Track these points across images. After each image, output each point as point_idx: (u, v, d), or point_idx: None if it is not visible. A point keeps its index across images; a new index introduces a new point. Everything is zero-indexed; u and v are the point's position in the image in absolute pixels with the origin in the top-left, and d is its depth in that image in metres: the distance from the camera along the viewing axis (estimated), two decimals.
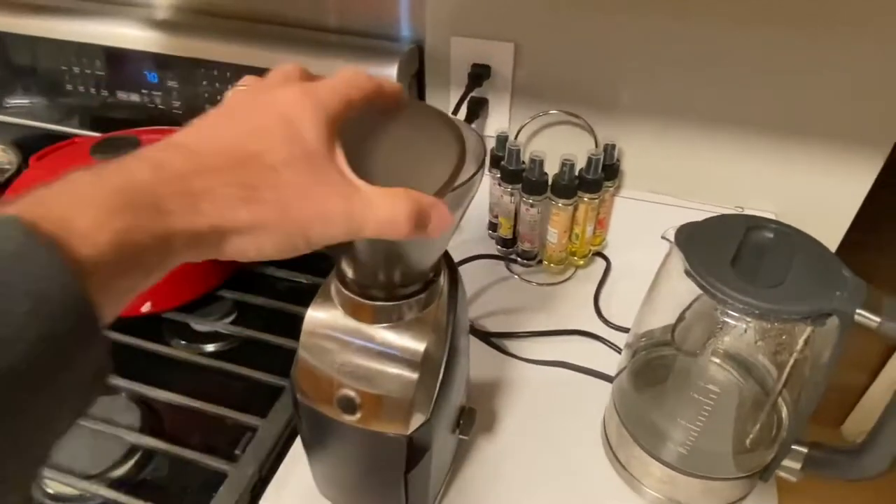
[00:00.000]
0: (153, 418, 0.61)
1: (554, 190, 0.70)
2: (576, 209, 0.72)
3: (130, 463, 0.57)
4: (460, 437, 0.52)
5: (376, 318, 0.41)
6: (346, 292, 0.41)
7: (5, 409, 0.20)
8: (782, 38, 0.63)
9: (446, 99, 0.78)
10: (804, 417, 0.47)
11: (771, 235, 0.47)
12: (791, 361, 0.47)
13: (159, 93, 0.82)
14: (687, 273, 0.44)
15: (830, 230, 0.73)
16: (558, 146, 0.73)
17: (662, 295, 0.51)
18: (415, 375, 0.41)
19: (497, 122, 0.78)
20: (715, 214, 0.50)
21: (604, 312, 0.72)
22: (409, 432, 0.42)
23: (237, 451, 0.57)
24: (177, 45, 0.79)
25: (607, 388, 0.59)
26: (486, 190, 0.77)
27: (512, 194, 0.73)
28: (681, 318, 0.52)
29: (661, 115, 0.72)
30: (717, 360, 0.54)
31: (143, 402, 0.62)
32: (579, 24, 0.69)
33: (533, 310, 0.73)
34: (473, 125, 0.77)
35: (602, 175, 0.70)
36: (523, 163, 0.71)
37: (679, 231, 0.47)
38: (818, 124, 0.67)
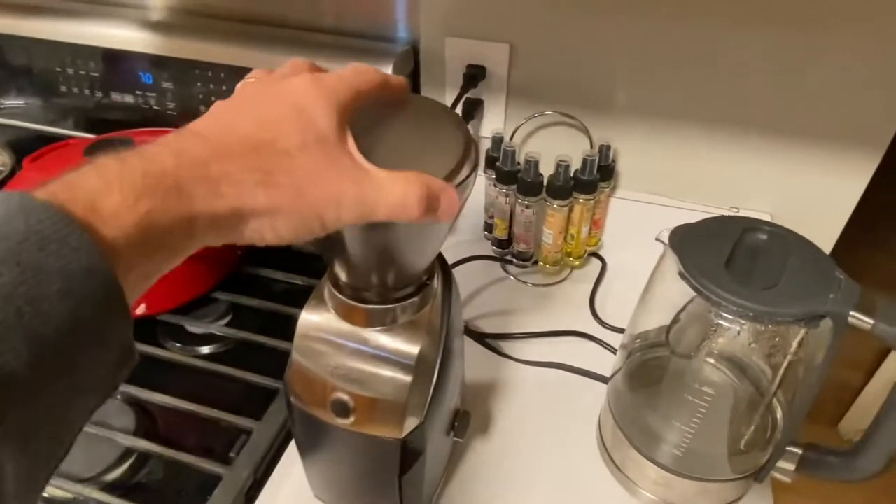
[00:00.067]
0: (148, 421, 0.61)
1: (549, 191, 0.70)
2: (571, 210, 0.72)
3: (125, 466, 0.57)
4: (455, 439, 0.52)
5: (370, 321, 0.41)
6: (340, 296, 0.41)
7: (37, 384, 0.21)
8: (778, 38, 0.63)
9: (441, 100, 0.77)
10: (798, 419, 0.47)
11: (765, 237, 0.47)
12: (785, 363, 0.47)
13: (154, 94, 0.82)
14: (681, 275, 0.44)
15: (826, 230, 0.73)
16: (553, 147, 0.73)
17: (657, 296, 0.51)
18: (408, 378, 0.40)
19: (492, 123, 0.78)
20: (710, 215, 0.50)
21: (599, 313, 0.72)
22: (402, 436, 0.42)
23: (232, 454, 0.57)
24: (171, 47, 0.78)
25: (603, 389, 0.59)
26: (481, 191, 0.77)
27: (507, 195, 0.73)
28: (675, 319, 0.52)
29: (657, 115, 0.72)
30: (712, 362, 0.54)
31: (138, 405, 0.62)
32: (574, 24, 0.69)
33: (528, 311, 0.73)
34: (469, 126, 0.77)
35: (597, 176, 0.70)
36: (518, 164, 0.71)
37: (673, 233, 0.47)
38: (814, 124, 0.67)
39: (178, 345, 0.69)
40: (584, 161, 0.69)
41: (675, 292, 0.46)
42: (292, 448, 0.57)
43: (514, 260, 0.77)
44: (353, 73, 0.33)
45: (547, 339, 0.69)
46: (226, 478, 0.54)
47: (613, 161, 0.73)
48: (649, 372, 0.56)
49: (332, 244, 0.37)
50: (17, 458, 0.21)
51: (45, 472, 0.23)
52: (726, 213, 0.73)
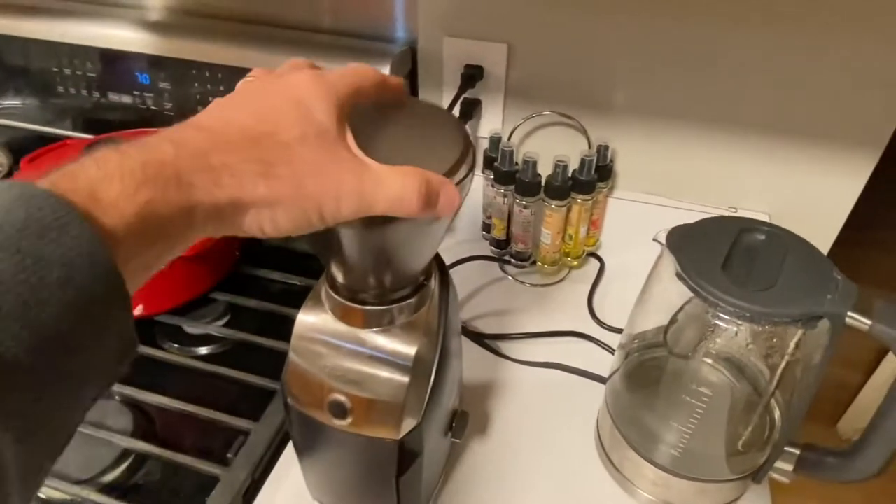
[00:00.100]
0: (145, 422, 0.61)
1: (547, 191, 0.70)
2: (569, 210, 0.72)
3: (122, 467, 0.57)
4: (453, 440, 0.52)
5: (367, 322, 0.41)
6: (336, 297, 0.41)
7: (37, 372, 0.21)
8: (775, 39, 0.63)
9: (439, 100, 0.77)
10: (796, 419, 0.47)
11: (762, 237, 0.47)
12: (783, 364, 0.47)
13: (151, 94, 0.82)
14: (678, 276, 0.44)
15: (824, 230, 0.73)
16: (551, 147, 0.73)
17: (654, 297, 0.51)
18: (406, 379, 0.40)
19: (490, 123, 0.78)
20: (708, 215, 0.50)
21: (597, 313, 0.72)
22: (400, 437, 0.42)
23: (230, 455, 0.57)
24: (169, 47, 0.78)
25: (601, 389, 0.59)
26: (479, 191, 0.77)
27: (505, 195, 0.73)
28: (673, 320, 0.52)
29: (655, 115, 0.72)
30: (710, 362, 0.54)
31: (136, 406, 0.62)
32: (572, 24, 0.68)
33: (526, 311, 0.73)
34: (467, 126, 0.77)
35: (595, 176, 0.70)
36: (516, 164, 0.71)
37: (670, 233, 0.47)
38: (811, 125, 0.67)
39: (175, 345, 0.69)
40: (582, 161, 0.69)
41: (673, 293, 0.46)
42: (290, 449, 0.57)
43: (513, 260, 0.77)
44: (352, 72, 0.33)
45: (545, 340, 0.69)
46: (223, 479, 0.54)
47: (611, 161, 0.73)
48: (647, 372, 0.56)
49: (328, 244, 0.37)
50: (18, 446, 0.21)
51: (47, 461, 0.23)
52: (724, 213, 0.73)
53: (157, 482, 0.57)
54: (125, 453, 0.57)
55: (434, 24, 0.73)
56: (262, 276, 0.77)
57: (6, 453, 0.20)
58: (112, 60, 0.82)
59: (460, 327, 0.52)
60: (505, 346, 0.68)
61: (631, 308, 0.54)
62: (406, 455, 0.43)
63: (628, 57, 0.69)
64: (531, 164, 0.69)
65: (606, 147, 0.71)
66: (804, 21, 0.62)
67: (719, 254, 0.45)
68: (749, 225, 0.48)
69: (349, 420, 0.42)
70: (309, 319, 0.42)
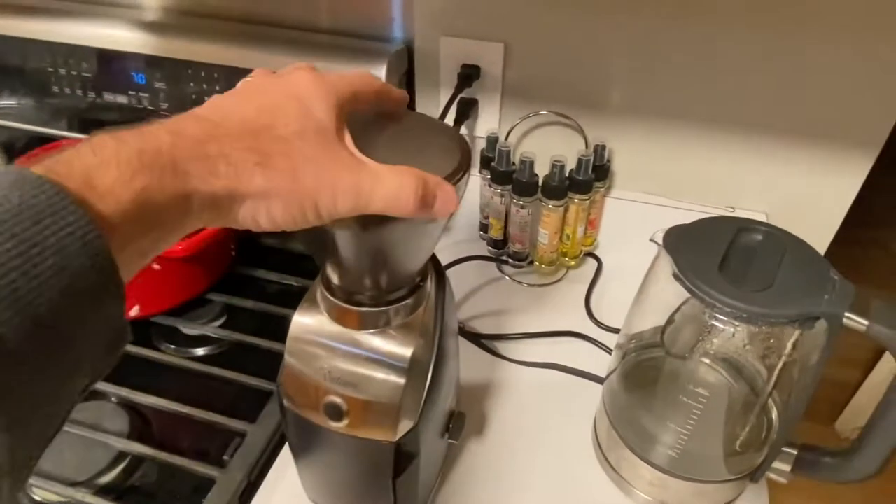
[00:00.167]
0: (141, 424, 0.61)
1: (544, 191, 0.70)
2: (566, 210, 0.72)
3: (118, 469, 0.57)
4: (450, 441, 0.52)
5: (362, 323, 0.41)
6: (332, 298, 0.40)
7: (29, 358, 0.20)
8: (773, 39, 0.63)
9: (436, 99, 0.77)
10: (794, 419, 0.47)
11: (759, 237, 0.47)
12: (780, 364, 0.47)
13: (147, 94, 0.81)
14: (675, 276, 0.44)
15: (821, 229, 0.73)
16: (549, 147, 0.73)
17: (651, 297, 0.51)
18: (402, 381, 0.40)
19: (487, 122, 0.77)
20: (706, 215, 0.49)
21: (595, 313, 0.72)
22: (396, 438, 0.42)
23: (226, 457, 0.56)
24: (165, 47, 0.78)
25: (598, 389, 0.59)
26: (476, 191, 0.77)
27: (502, 195, 0.73)
28: (670, 320, 0.52)
29: (652, 115, 0.72)
30: (707, 362, 0.54)
31: (132, 408, 0.62)
32: (569, 24, 0.68)
33: (524, 311, 0.72)
34: (463, 126, 0.77)
35: (592, 176, 0.70)
36: (513, 164, 0.71)
37: (667, 234, 0.47)
38: (809, 124, 0.67)
39: (172, 346, 0.69)
40: (580, 161, 0.69)
41: (670, 293, 0.46)
42: (286, 451, 0.57)
43: (510, 260, 0.77)
44: (353, 76, 0.33)
45: (542, 340, 0.69)
46: (220, 481, 0.53)
47: (609, 161, 0.73)
48: (644, 373, 0.56)
49: (323, 244, 0.37)
50: (6, 434, 0.21)
51: (37, 449, 0.23)
52: (722, 212, 0.73)
53: (153, 484, 0.57)
54: (121, 455, 0.57)
55: (430, 24, 0.73)
56: (258, 276, 0.77)
57: None
58: (108, 60, 0.82)
59: (457, 328, 0.52)
60: (502, 347, 0.68)
61: (628, 308, 0.54)
62: (403, 457, 0.43)
63: (625, 56, 0.69)
64: (528, 164, 0.69)
65: (603, 147, 0.71)
66: (801, 21, 0.62)
67: (716, 254, 0.45)
68: (746, 225, 0.48)
69: (345, 422, 0.42)
70: (304, 321, 0.42)
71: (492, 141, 0.72)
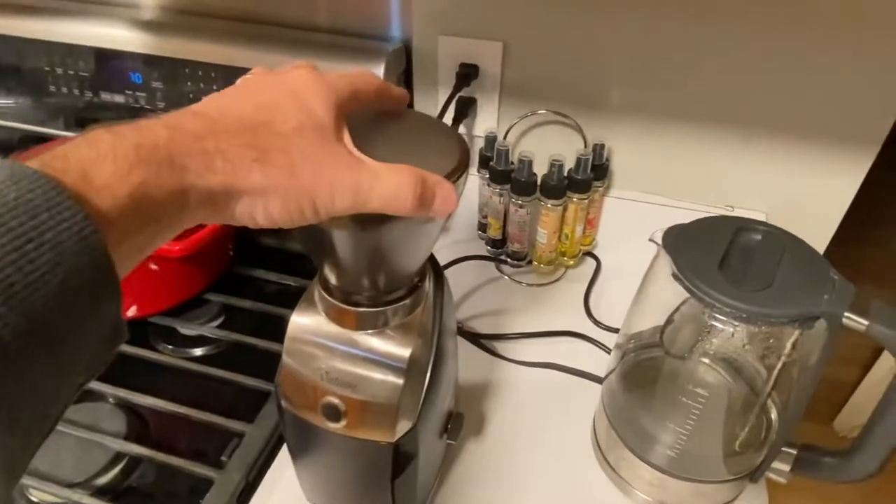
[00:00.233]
0: (139, 424, 0.60)
1: (543, 190, 0.70)
2: (565, 209, 0.72)
3: (116, 470, 0.57)
4: (448, 441, 0.52)
5: (361, 324, 0.40)
6: (330, 298, 0.40)
7: (22, 357, 0.20)
8: (772, 38, 0.63)
9: (434, 99, 0.77)
10: (793, 419, 0.47)
11: (759, 237, 0.47)
12: (779, 364, 0.46)
13: (144, 93, 0.81)
14: (674, 276, 0.44)
15: (820, 228, 0.73)
16: (547, 146, 0.73)
17: (651, 297, 0.51)
18: (400, 381, 0.40)
19: (485, 122, 0.77)
20: (705, 214, 0.49)
21: (594, 313, 0.72)
22: (395, 439, 0.42)
23: (224, 458, 0.56)
24: (162, 46, 0.78)
25: (597, 389, 0.59)
26: (475, 190, 0.76)
27: (501, 195, 0.72)
28: (669, 320, 0.52)
29: (651, 114, 0.71)
30: (706, 362, 0.54)
31: (129, 408, 0.61)
32: (568, 23, 0.68)
33: (523, 311, 0.72)
34: (462, 125, 0.77)
35: (591, 175, 0.70)
36: (512, 163, 0.71)
37: (666, 233, 0.46)
38: (808, 124, 0.67)
39: (169, 347, 0.69)
40: (578, 160, 0.69)
41: (669, 293, 0.46)
42: (284, 451, 0.56)
43: (509, 260, 0.77)
44: (353, 74, 0.33)
45: (541, 340, 0.69)
46: (217, 481, 0.53)
47: (607, 160, 0.73)
48: (644, 372, 0.56)
49: (321, 244, 0.37)
50: (1, 430, 0.21)
51: (30, 448, 0.23)
52: (721, 212, 0.73)
53: (150, 485, 0.57)
54: (118, 456, 0.57)
55: (428, 23, 0.73)
56: (256, 276, 0.77)
57: None
58: (105, 59, 0.81)
59: (456, 328, 0.52)
60: (501, 347, 0.68)
61: (627, 308, 0.54)
62: (401, 458, 0.43)
63: (624, 55, 0.68)
64: (527, 164, 0.68)
65: (602, 146, 0.71)
66: (801, 20, 0.61)
67: (716, 254, 0.45)
68: (746, 224, 0.47)
69: (343, 423, 0.42)
70: (302, 321, 0.42)
71: (490, 140, 0.72)
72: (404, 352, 0.40)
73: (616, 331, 0.67)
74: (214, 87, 0.77)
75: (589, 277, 0.76)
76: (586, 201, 0.72)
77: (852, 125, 0.66)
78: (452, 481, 0.55)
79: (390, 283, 0.40)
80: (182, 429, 0.60)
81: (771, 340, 0.48)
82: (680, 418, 0.49)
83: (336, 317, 0.41)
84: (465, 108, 0.75)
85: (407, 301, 0.40)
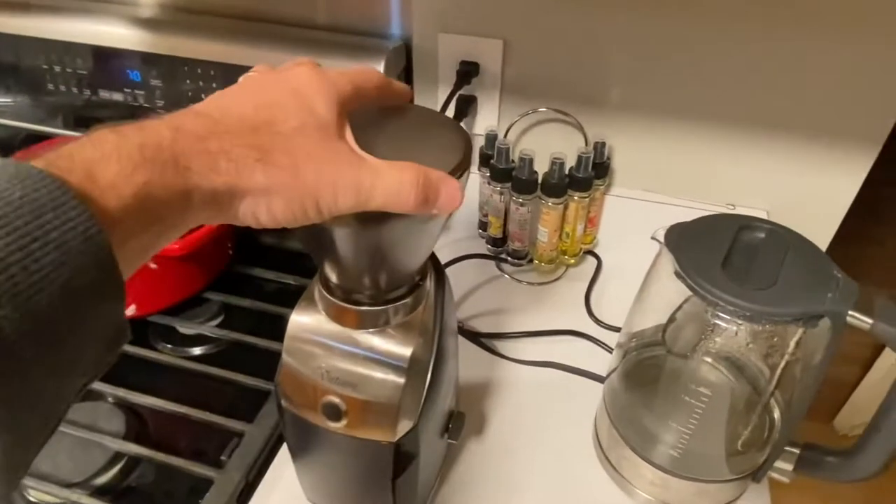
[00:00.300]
0: (138, 424, 0.60)
1: (544, 189, 0.69)
2: (566, 208, 0.71)
3: (115, 470, 0.56)
4: (449, 441, 0.51)
5: (361, 322, 0.40)
6: (330, 297, 0.40)
7: (26, 357, 0.20)
8: (773, 35, 0.63)
9: (434, 96, 0.77)
10: (796, 418, 0.46)
11: (762, 235, 0.47)
12: (782, 363, 0.46)
13: (142, 92, 0.81)
14: (677, 274, 0.44)
15: (822, 226, 0.72)
16: (548, 144, 0.73)
17: (653, 295, 0.51)
18: (401, 380, 0.40)
19: (486, 120, 0.77)
20: (706, 213, 0.49)
21: (595, 312, 0.71)
22: (396, 439, 0.41)
23: (223, 457, 0.56)
24: (161, 43, 0.77)
25: (599, 388, 0.58)
26: (475, 189, 0.76)
27: (502, 193, 0.72)
28: (671, 318, 0.52)
29: (652, 112, 0.71)
30: (709, 360, 0.53)
31: (128, 408, 0.61)
32: (569, 20, 0.68)
33: (523, 309, 0.72)
34: (462, 123, 0.77)
35: (592, 173, 0.70)
36: (513, 161, 0.70)
37: (669, 231, 0.46)
38: (810, 121, 0.67)
39: (168, 346, 0.69)
40: (579, 158, 0.69)
41: (672, 291, 0.46)
42: (284, 451, 0.56)
43: (509, 258, 0.77)
44: (355, 72, 0.33)
45: (542, 339, 0.68)
46: (217, 481, 0.53)
47: (608, 158, 0.73)
48: (646, 371, 0.56)
49: (321, 242, 0.36)
50: (4, 430, 0.20)
51: (33, 448, 0.23)
52: (722, 210, 0.72)
53: (149, 485, 0.56)
54: (117, 456, 0.57)
55: (428, 20, 0.72)
56: (256, 275, 0.76)
57: None
58: (103, 57, 0.81)
59: (456, 327, 0.52)
60: (502, 346, 0.67)
61: (628, 306, 0.54)
62: (402, 457, 0.43)
63: (625, 53, 0.68)
64: (527, 162, 0.68)
65: (603, 144, 0.71)
66: (802, 18, 0.61)
67: (719, 252, 0.44)
68: (749, 223, 0.47)
69: (344, 422, 0.41)
70: (302, 320, 0.41)
71: (491, 138, 0.72)
72: (405, 351, 0.40)
73: (617, 329, 0.66)
74: (213, 85, 0.76)
75: (590, 276, 0.76)
76: (587, 200, 0.71)
77: (853, 124, 0.66)
78: (453, 481, 0.55)
79: (391, 282, 0.39)
80: (181, 428, 0.60)
81: (774, 339, 0.47)
82: (682, 417, 0.49)
83: (336, 315, 0.40)
84: (466, 106, 0.75)
85: (408, 300, 0.40)
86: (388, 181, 0.30)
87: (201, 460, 0.55)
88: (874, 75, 0.62)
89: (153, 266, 0.68)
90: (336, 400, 0.41)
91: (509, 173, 0.70)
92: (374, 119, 0.36)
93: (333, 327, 0.41)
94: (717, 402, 0.51)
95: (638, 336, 0.55)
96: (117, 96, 0.82)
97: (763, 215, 0.72)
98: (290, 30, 0.77)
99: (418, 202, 0.30)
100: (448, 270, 0.58)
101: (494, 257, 0.78)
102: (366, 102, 0.34)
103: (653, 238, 0.47)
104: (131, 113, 0.83)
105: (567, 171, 0.69)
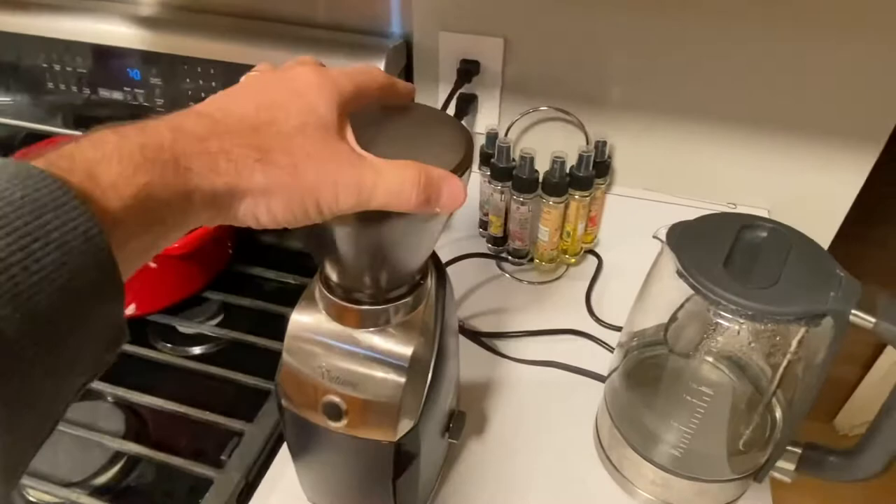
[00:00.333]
0: (138, 424, 0.60)
1: (545, 188, 0.69)
2: (567, 207, 0.71)
3: (114, 469, 0.56)
4: (450, 440, 0.51)
5: (362, 322, 0.40)
6: (331, 296, 0.40)
7: (25, 356, 0.20)
8: (774, 35, 0.63)
9: (435, 95, 0.77)
10: (798, 418, 0.46)
11: (764, 234, 0.47)
12: (784, 362, 0.46)
13: (142, 90, 0.81)
14: (679, 273, 0.44)
15: (824, 226, 0.72)
16: (549, 143, 0.73)
17: (654, 295, 0.51)
18: (402, 380, 0.40)
19: (486, 118, 0.77)
20: (707, 212, 0.49)
21: (596, 311, 0.71)
22: (396, 438, 0.41)
23: (223, 457, 0.56)
24: (160, 42, 0.77)
25: (600, 388, 0.58)
26: (476, 188, 0.76)
27: (502, 192, 0.72)
28: (673, 318, 0.52)
29: (653, 111, 0.71)
30: (711, 360, 0.53)
31: (128, 407, 0.61)
32: (569, 19, 0.68)
33: (524, 309, 0.72)
34: (463, 122, 0.76)
35: (593, 172, 0.70)
36: (513, 160, 0.70)
37: (670, 230, 0.46)
38: (811, 120, 0.67)
39: (168, 345, 0.69)
40: (580, 157, 0.69)
41: (673, 290, 0.46)
42: (284, 450, 0.56)
43: (510, 257, 0.77)
44: (357, 71, 0.33)
45: (543, 338, 0.68)
46: (217, 481, 0.53)
47: (609, 157, 0.73)
48: (647, 371, 0.56)
49: (322, 241, 0.36)
50: (2, 431, 0.20)
51: (31, 448, 0.23)
52: (723, 209, 0.72)
53: (149, 484, 0.56)
54: (117, 455, 0.57)
55: (429, 19, 0.72)
56: (255, 274, 0.76)
57: None
58: (103, 56, 0.81)
59: (457, 326, 0.52)
60: (502, 345, 0.67)
61: (629, 305, 0.54)
62: (403, 457, 0.42)
63: (626, 52, 0.68)
64: (528, 161, 0.68)
65: (604, 143, 0.71)
66: (802, 18, 0.61)
67: (720, 251, 0.44)
68: (751, 221, 0.47)
69: (344, 422, 0.41)
70: (303, 319, 0.41)
71: (491, 137, 0.72)
72: (406, 350, 0.40)
73: (618, 329, 0.66)
74: (213, 84, 0.76)
75: (591, 275, 0.76)
76: (588, 199, 0.71)
77: (854, 123, 0.65)
78: (454, 480, 0.55)
79: (392, 281, 0.39)
80: (181, 428, 0.60)
81: (777, 338, 0.47)
82: (684, 417, 0.48)
83: (337, 315, 0.40)
84: (466, 105, 0.75)
85: (409, 299, 0.40)
86: (389, 180, 0.30)
87: (201, 460, 0.55)
88: (875, 75, 0.62)
89: (153, 265, 0.68)
90: (336, 399, 0.41)
91: (510, 172, 0.70)
92: (374, 117, 0.36)
93: (334, 326, 0.40)
94: (719, 401, 0.51)
95: (639, 335, 0.55)
96: (117, 95, 0.82)
97: (764, 214, 0.72)
98: (290, 28, 0.77)
99: (420, 201, 0.30)
100: (449, 270, 0.58)
101: (495, 256, 0.78)
102: (368, 102, 0.34)
103: (654, 237, 0.46)
104: (131, 112, 0.83)
105: (568, 170, 0.69)
